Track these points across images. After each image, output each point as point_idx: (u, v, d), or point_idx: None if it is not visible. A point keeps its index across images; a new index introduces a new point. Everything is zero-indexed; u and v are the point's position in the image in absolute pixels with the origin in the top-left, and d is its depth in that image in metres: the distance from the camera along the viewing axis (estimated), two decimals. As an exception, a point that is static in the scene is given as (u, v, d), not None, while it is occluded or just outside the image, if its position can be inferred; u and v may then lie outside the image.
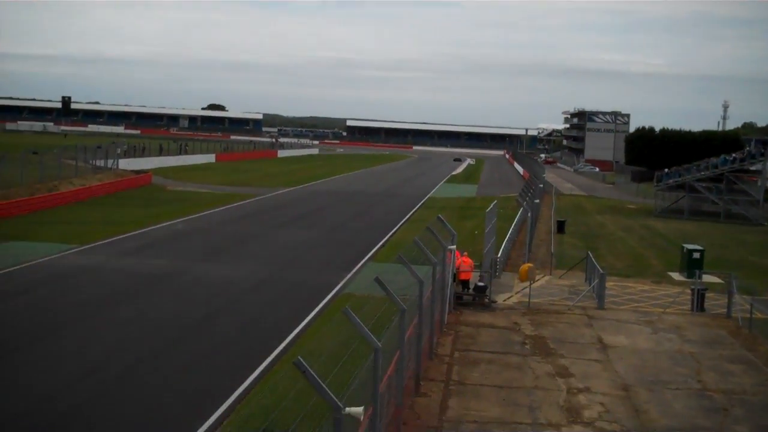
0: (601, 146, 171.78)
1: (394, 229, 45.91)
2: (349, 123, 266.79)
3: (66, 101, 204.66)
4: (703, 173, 62.75)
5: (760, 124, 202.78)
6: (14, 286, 26.63)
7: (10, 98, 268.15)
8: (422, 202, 65.16)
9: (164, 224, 42.98)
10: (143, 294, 26.61)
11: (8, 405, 16.19)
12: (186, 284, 28.29)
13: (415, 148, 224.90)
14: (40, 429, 15.17)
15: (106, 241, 36.40)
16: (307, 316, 24.25)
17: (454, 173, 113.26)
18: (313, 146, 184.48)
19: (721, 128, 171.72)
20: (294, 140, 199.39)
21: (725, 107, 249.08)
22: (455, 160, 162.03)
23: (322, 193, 68.03)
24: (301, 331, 22.59)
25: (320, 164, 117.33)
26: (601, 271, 28.14)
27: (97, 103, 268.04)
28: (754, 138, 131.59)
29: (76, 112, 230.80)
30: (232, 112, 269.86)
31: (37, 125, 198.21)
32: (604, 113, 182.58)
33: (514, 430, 15.92)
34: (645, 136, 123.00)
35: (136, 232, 39.70)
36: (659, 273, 35.48)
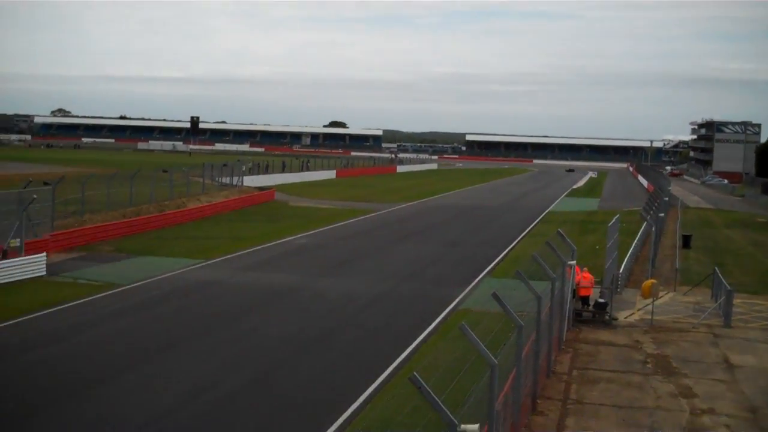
0: (730, 157, 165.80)
1: (513, 244, 45.53)
2: (468, 137, 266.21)
3: (194, 121, 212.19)
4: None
5: None
6: (140, 300, 27.70)
7: (142, 119, 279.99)
8: (542, 216, 64.39)
9: (286, 239, 43.91)
10: (265, 308, 27.25)
11: (133, 415, 16.83)
12: (306, 299, 28.81)
13: (536, 161, 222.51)
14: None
15: (230, 256, 37.47)
16: (424, 331, 24.31)
17: (575, 187, 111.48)
18: (432, 161, 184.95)
19: None
20: (413, 155, 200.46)
21: None
22: (568, 170, 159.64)
23: (441, 208, 68.10)
24: (417, 346, 22.67)
25: (439, 179, 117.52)
26: (729, 287, 27.17)
27: (223, 122, 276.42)
28: None
29: (204, 131, 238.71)
30: (353, 129, 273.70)
31: (167, 144, 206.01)
32: (733, 123, 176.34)
33: (634, 450, 15.54)
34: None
35: (259, 247, 40.70)
36: (792, 290, 33.98)
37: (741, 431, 16.72)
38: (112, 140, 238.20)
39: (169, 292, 29.27)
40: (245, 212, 58.32)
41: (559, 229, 26.92)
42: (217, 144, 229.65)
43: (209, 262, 35.64)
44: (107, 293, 28.50)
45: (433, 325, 25.25)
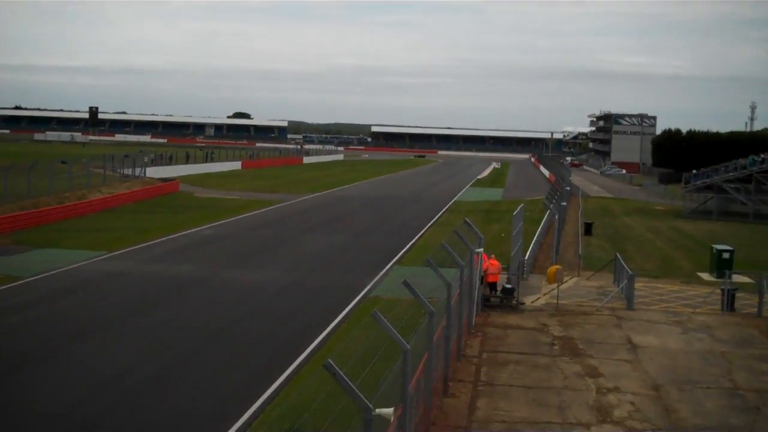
0: (628, 149, 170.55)
1: (421, 233, 45.91)
2: (374, 129, 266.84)
3: (93, 111, 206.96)
4: (731, 174, 62.23)
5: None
6: (43, 293, 26.92)
7: (39, 109, 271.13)
8: (448, 206, 65.09)
9: (192, 231, 43.27)
10: (172, 299, 26.82)
11: (39, 409, 16.37)
12: (214, 289, 28.47)
13: (440, 152, 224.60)
14: (73, 432, 15.33)
15: (134, 247, 36.72)
16: (335, 319, 24.33)
17: (479, 177, 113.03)
18: (338, 152, 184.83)
19: (748, 129, 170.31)
20: (319, 147, 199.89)
21: (753, 108, 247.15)
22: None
23: (348, 199, 68.17)
24: (329, 334, 22.67)
25: (346, 170, 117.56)
26: (630, 272, 28.00)
27: (124, 113, 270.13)
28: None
29: (104, 122, 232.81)
30: (258, 120, 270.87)
31: (65, 135, 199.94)
32: (630, 116, 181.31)
33: (543, 429, 15.88)
34: (672, 138, 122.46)
35: (164, 238, 40.01)
36: (689, 274, 35.25)
37: (645, 408, 17.25)
38: (7, 131, 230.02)
39: (74, 284, 28.51)
40: (149, 204, 57.19)
41: (466, 218, 27.26)
42: (117, 135, 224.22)
43: (113, 253, 34.85)
44: (8, 286, 27.58)
45: (344, 312, 25.29)
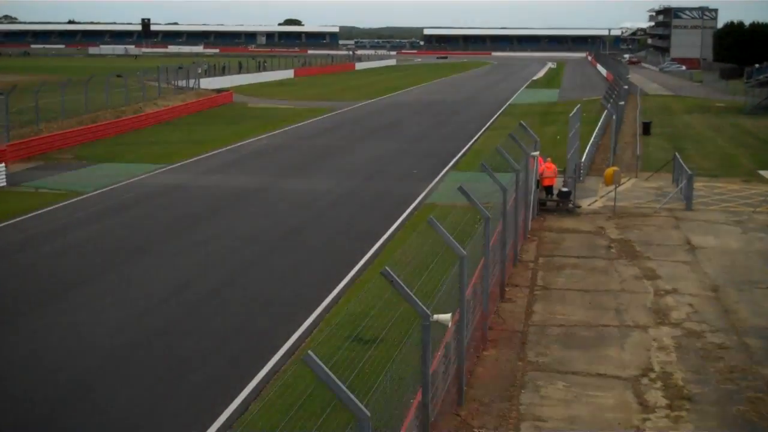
0: (689, 44, 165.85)
1: (475, 137, 45.62)
2: (426, 32, 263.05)
3: (146, 23, 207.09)
4: (796, 67, 60.27)
5: None
6: (106, 207, 27.52)
7: (92, 23, 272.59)
8: (503, 108, 64.38)
9: (247, 141, 43.58)
10: (230, 211, 27.22)
11: (108, 318, 16.94)
12: (272, 199, 28.80)
13: (494, 54, 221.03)
14: (137, 342, 15.86)
15: (191, 159, 37.18)
16: (391, 226, 24.50)
17: (535, 78, 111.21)
18: (390, 57, 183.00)
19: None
20: (371, 52, 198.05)
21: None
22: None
23: (402, 105, 67.75)
24: (386, 241, 22.87)
25: (398, 75, 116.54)
26: (689, 171, 27.57)
27: (176, 23, 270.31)
28: None
29: (156, 33, 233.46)
30: (309, 27, 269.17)
31: (119, 48, 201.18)
32: (690, 9, 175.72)
33: (600, 332, 15.98)
34: (734, 31, 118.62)
35: (221, 150, 40.40)
36: (749, 172, 34.57)
37: (704, 309, 17.21)
38: (62, 46, 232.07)
39: (134, 197, 29.08)
40: (204, 115, 57.60)
41: (521, 121, 26.96)
42: (170, 46, 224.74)
43: (171, 166, 35.35)
44: (72, 201, 28.25)
45: (401, 219, 25.44)
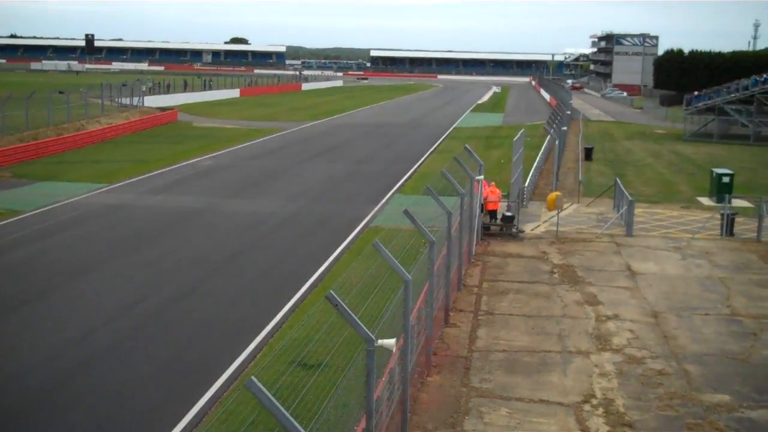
0: (630, 70, 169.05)
1: (421, 161, 45.84)
2: (373, 53, 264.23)
3: (89, 39, 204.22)
4: (733, 95, 61.73)
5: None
6: (45, 226, 27.00)
7: (35, 37, 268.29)
8: (448, 132, 64.85)
9: (192, 161, 43.21)
10: (173, 232, 26.91)
11: (44, 343, 16.59)
12: (215, 221, 28.54)
13: (440, 77, 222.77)
14: (76, 366, 15.54)
15: (135, 179, 36.73)
16: (336, 249, 24.44)
17: (479, 102, 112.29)
18: (337, 78, 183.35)
19: (752, 48, 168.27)
20: (318, 72, 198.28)
21: (756, 26, 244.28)
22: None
23: (348, 126, 67.86)
24: (331, 264, 22.81)
25: (345, 96, 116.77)
26: (630, 197, 28.04)
27: (120, 40, 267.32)
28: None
29: (100, 49, 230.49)
30: (255, 46, 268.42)
31: (62, 64, 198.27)
32: (632, 36, 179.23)
33: (543, 358, 16.11)
34: (674, 58, 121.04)
35: (165, 169, 39.98)
36: (688, 198, 35.29)
37: (644, 335, 17.46)
38: (3, 60, 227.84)
39: (75, 217, 28.59)
40: (148, 134, 57.00)
41: (466, 145, 27.16)
42: (114, 63, 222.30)
43: (114, 185, 34.87)
44: (10, 220, 27.66)
45: (346, 243, 25.39)
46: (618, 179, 32.69)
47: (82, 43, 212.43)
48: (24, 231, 26.26)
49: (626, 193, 28.95)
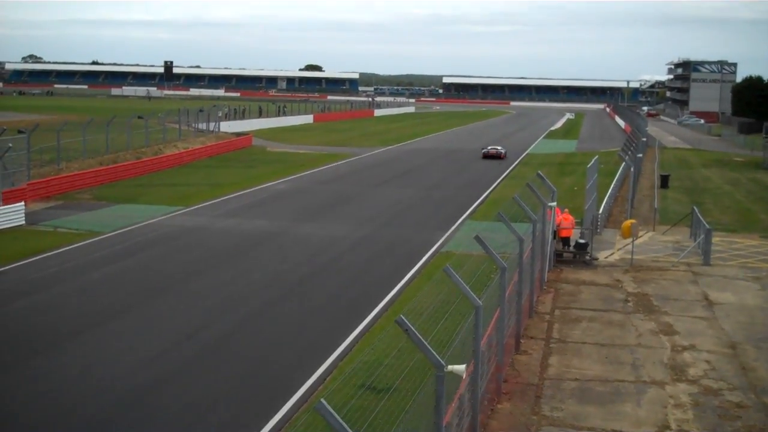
0: (707, 97, 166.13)
1: (493, 187, 45.66)
2: (446, 80, 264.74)
3: (168, 66, 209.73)
4: (815, 123, 60.14)
5: None
6: (123, 247, 27.62)
7: (115, 64, 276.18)
8: (521, 158, 64.51)
9: (266, 185, 43.78)
10: (246, 255, 27.25)
11: (122, 363, 16.91)
12: (288, 244, 28.82)
13: (513, 103, 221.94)
14: (151, 385, 15.81)
15: (210, 202, 37.34)
16: (406, 274, 24.44)
17: (553, 128, 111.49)
18: (409, 104, 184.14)
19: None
20: (390, 99, 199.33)
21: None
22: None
23: (420, 152, 68.01)
24: (401, 288, 22.80)
25: (417, 122, 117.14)
26: (707, 226, 27.44)
27: (197, 66, 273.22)
28: None
29: (179, 76, 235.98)
30: (329, 73, 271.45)
31: (141, 90, 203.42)
32: (709, 63, 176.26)
33: (616, 387, 15.80)
34: (753, 85, 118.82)
35: (239, 193, 40.57)
36: (768, 228, 34.39)
37: (721, 367, 17.01)
38: (85, 86, 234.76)
39: (152, 239, 29.18)
40: (223, 158, 57.98)
41: (539, 171, 26.99)
42: (191, 89, 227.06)
43: (190, 208, 35.52)
44: (89, 241, 28.37)
45: (416, 267, 25.38)
46: (695, 207, 32.05)
47: (161, 70, 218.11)
48: (102, 251, 26.90)
49: (703, 221, 28.36)
